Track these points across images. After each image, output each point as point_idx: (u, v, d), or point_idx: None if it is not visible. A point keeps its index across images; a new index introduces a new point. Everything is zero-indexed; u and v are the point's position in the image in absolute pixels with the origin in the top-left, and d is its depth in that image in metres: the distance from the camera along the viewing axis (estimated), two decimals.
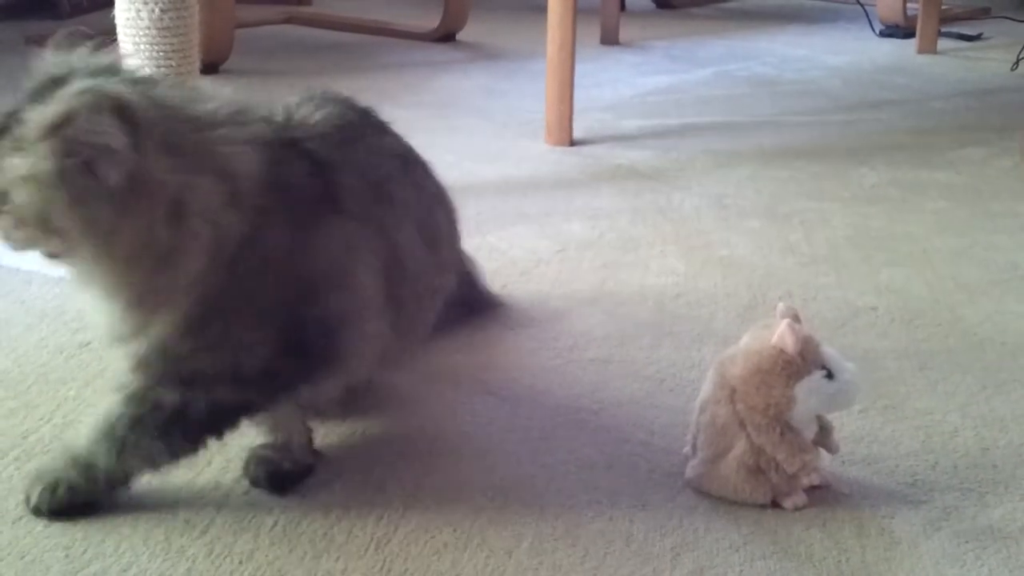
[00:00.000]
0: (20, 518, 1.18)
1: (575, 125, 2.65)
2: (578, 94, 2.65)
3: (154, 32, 1.89)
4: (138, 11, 1.88)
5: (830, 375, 1.22)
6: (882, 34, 4.13)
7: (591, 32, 3.77)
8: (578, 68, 2.63)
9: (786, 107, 3.06)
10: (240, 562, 1.12)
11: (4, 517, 1.18)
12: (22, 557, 1.12)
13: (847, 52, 3.82)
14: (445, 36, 3.83)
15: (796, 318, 1.25)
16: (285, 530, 1.17)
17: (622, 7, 4.13)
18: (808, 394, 1.21)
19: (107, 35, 2.00)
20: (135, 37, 1.90)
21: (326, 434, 1.36)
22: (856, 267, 1.93)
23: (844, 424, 1.37)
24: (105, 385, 1.45)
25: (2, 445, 1.31)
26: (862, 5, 4.36)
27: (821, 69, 3.55)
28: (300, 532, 1.17)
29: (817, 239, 2.06)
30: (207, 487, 1.24)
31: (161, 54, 1.90)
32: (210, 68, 3.06)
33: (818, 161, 2.55)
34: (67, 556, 1.12)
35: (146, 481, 1.22)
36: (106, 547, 1.13)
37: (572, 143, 2.64)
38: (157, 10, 1.88)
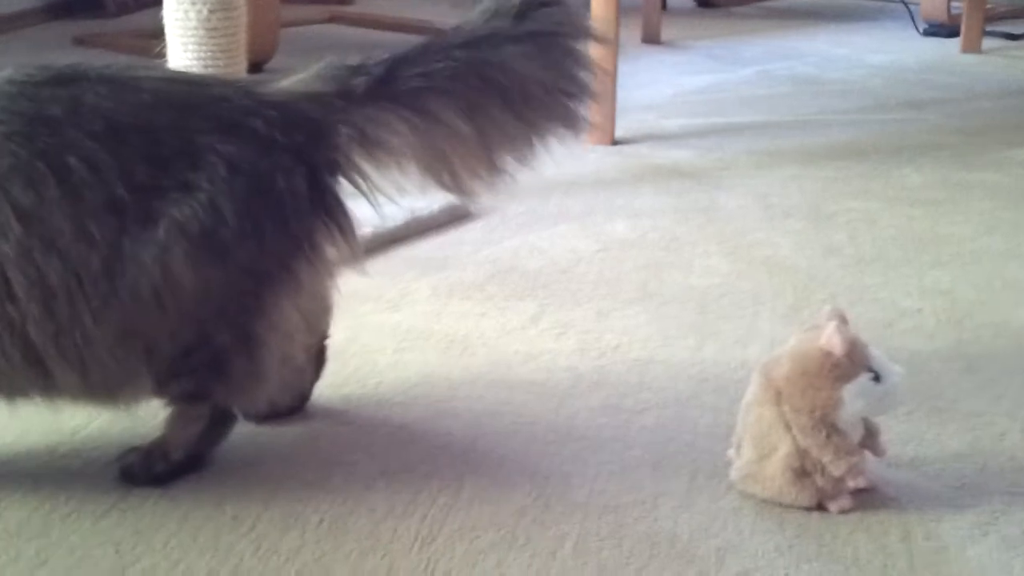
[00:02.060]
0: (70, 514, 1.19)
1: (617, 124, 2.65)
2: (619, 94, 2.65)
3: (202, 32, 1.90)
4: (186, 12, 1.90)
5: (877, 377, 1.21)
6: (925, 33, 4.10)
7: (632, 31, 3.77)
8: (620, 68, 2.63)
9: (829, 106, 3.04)
10: (287, 559, 1.13)
11: (55, 512, 1.19)
12: (72, 552, 1.13)
13: (890, 51, 3.79)
14: None
15: (843, 320, 1.25)
16: (331, 528, 1.18)
17: (663, 6, 4.12)
18: (855, 396, 1.21)
19: (155, 35, 2.02)
20: (183, 37, 1.92)
21: (371, 431, 1.37)
22: (901, 268, 1.91)
23: (890, 426, 1.36)
24: None
25: (50, 441, 1.33)
26: (905, 3, 4.33)
27: (864, 68, 3.53)
28: (346, 530, 1.18)
29: (862, 240, 2.05)
30: (254, 483, 1.25)
31: (208, 54, 1.92)
32: (254, 67, 3.08)
33: (862, 161, 2.54)
34: (117, 552, 1.13)
35: (194, 477, 1.24)
36: (155, 543, 1.14)
37: (614, 142, 2.63)
38: (205, 10, 1.89)
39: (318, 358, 1.42)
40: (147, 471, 1.25)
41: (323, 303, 1.35)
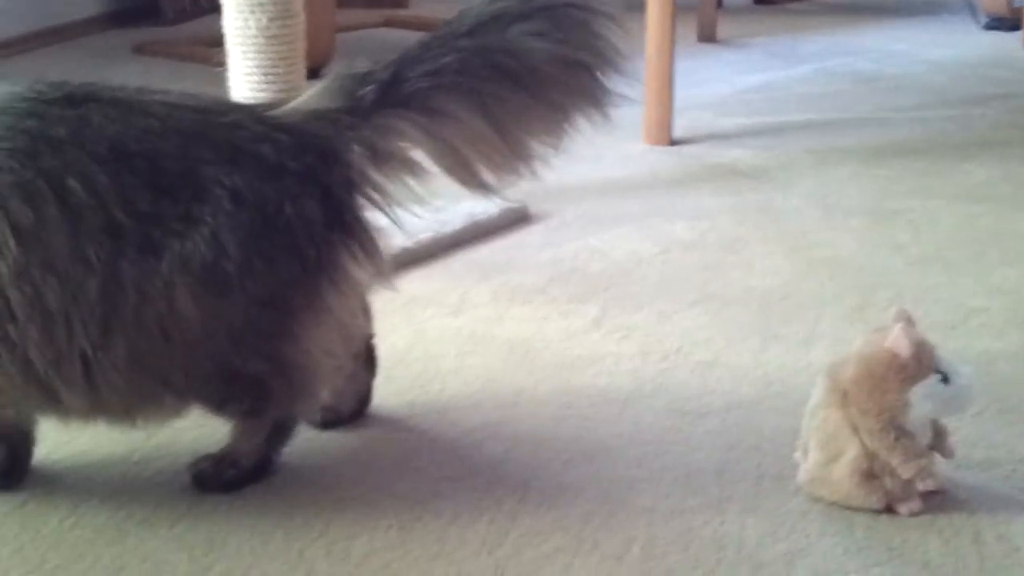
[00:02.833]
0: (145, 519, 1.21)
1: (675, 124, 2.65)
2: (677, 93, 2.64)
3: (262, 40, 1.92)
4: (245, 20, 1.92)
5: (945, 379, 1.21)
6: (986, 27, 4.04)
7: (688, 30, 3.75)
8: (676, 67, 2.62)
9: (888, 103, 3.01)
10: (357, 564, 1.14)
11: (130, 519, 1.21)
12: (147, 559, 1.15)
13: (950, 45, 3.75)
14: None
15: (910, 321, 1.24)
16: (399, 533, 1.19)
17: (719, 4, 4.10)
18: (923, 398, 1.20)
19: (213, 43, 2.05)
20: (243, 45, 1.94)
21: (435, 437, 1.37)
22: (966, 267, 1.89)
23: (959, 428, 1.35)
24: None
25: (123, 449, 1.35)
26: None
27: (923, 63, 3.49)
28: (414, 535, 1.19)
29: (925, 238, 2.03)
30: (323, 490, 1.27)
31: (268, 62, 1.94)
32: (312, 73, 3.10)
33: (922, 158, 2.51)
34: (190, 558, 1.15)
35: (264, 484, 1.25)
36: (228, 549, 1.16)
37: (671, 143, 2.63)
38: (264, 19, 1.91)
39: (368, 359, 1.42)
40: (218, 478, 1.27)
41: (359, 312, 1.33)
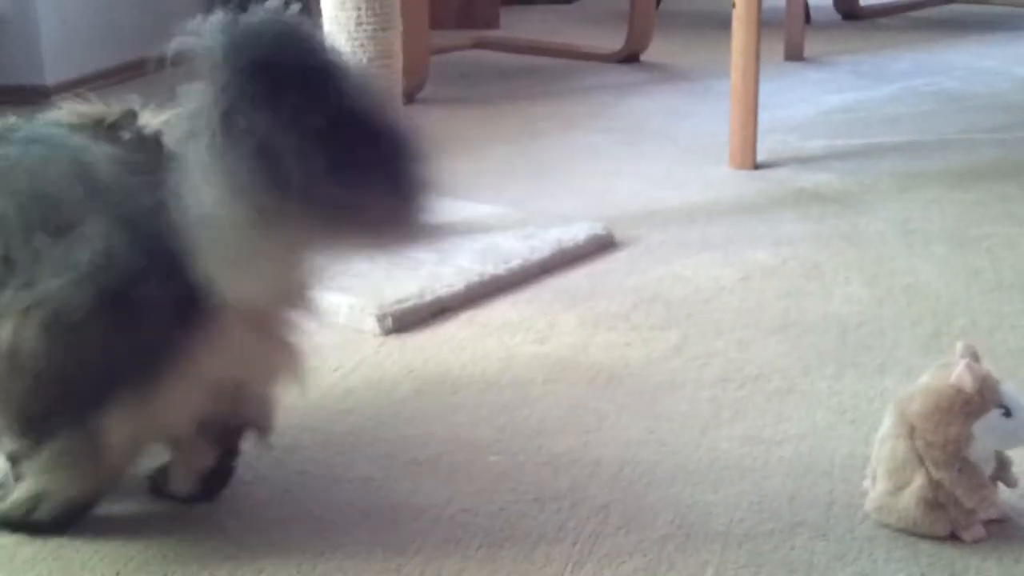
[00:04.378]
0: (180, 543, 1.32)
1: (759, 147, 2.71)
2: (761, 114, 2.70)
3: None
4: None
5: (1008, 413, 1.26)
6: None
7: (775, 47, 3.80)
8: (762, 87, 2.68)
9: (974, 123, 3.04)
10: None
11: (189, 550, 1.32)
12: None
13: None
14: (629, 57, 3.91)
15: (975, 356, 1.30)
16: (489, 552, 1.28)
17: (807, 20, 4.14)
18: (986, 432, 1.26)
19: None
20: None
21: (523, 460, 1.46)
22: None
23: None
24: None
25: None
26: None
27: (1011, 81, 3.50)
28: (503, 554, 1.27)
29: (1004, 265, 2.07)
30: (419, 510, 1.36)
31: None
32: (408, 97, 3.22)
33: (1006, 181, 2.54)
34: (299, 571, 1.25)
35: (364, 500, 1.35)
36: (331, 563, 1.26)
37: (756, 167, 2.69)
38: (365, 59, 2.02)
39: (227, 446, 1.38)
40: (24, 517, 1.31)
41: (206, 399, 1.27)
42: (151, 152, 1.31)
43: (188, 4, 4.18)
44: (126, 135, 1.30)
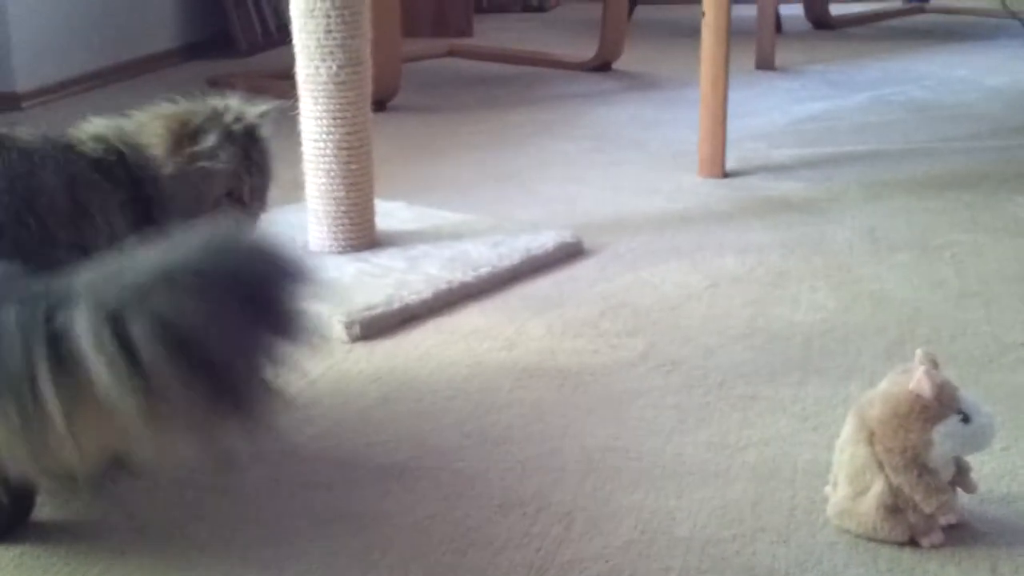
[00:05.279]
0: (207, 546, 1.32)
1: (728, 155, 2.73)
2: (732, 123, 2.72)
3: (331, 87, 2.04)
4: (317, 68, 2.04)
5: (966, 419, 1.28)
6: None
7: (747, 56, 3.83)
8: (732, 95, 2.70)
9: (942, 133, 3.07)
10: None
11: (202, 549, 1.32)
12: None
13: (1008, 72, 3.78)
14: (601, 65, 3.93)
15: (934, 364, 1.31)
16: (453, 558, 1.28)
17: (778, 29, 4.16)
18: (944, 437, 1.27)
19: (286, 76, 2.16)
20: (314, 92, 2.06)
21: (489, 466, 1.47)
22: (1007, 302, 1.95)
23: (985, 462, 1.42)
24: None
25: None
26: (1022, 22, 4.30)
27: (980, 91, 3.54)
28: (466, 561, 1.28)
29: (968, 273, 2.09)
30: (382, 518, 1.36)
31: (337, 107, 2.05)
32: (379, 105, 3.23)
33: (972, 190, 2.57)
34: None
35: (330, 514, 1.36)
36: (295, 571, 1.26)
37: (725, 175, 2.71)
38: (335, 66, 2.03)
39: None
40: None
41: None
42: (243, 145, 1.44)
43: (160, 13, 4.18)
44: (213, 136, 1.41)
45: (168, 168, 1.43)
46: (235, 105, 1.50)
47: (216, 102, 1.49)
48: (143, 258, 1.10)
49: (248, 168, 1.49)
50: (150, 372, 1.04)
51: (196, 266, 1.08)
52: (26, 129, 1.41)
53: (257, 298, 1.12)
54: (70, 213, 1.31)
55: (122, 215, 1.38)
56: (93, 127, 1.45)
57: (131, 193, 1.40)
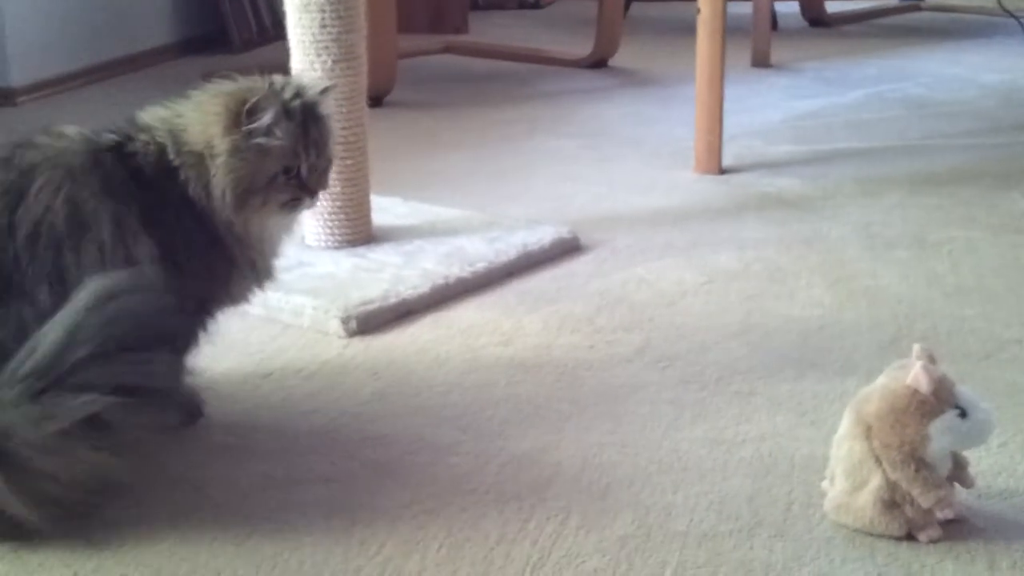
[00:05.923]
0: (214, 540, 1.31)
1: (724, 152, 2.72)
2: (728, 120, 2.72)
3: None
4: (312, 63, 2.03)
5: (963, 414, 1.28)
6: None
7: (743, 54, 3.81)
8: (728, 93, 2.70)
9: (938, 130, 3.06)
10: None
11: (202, 537, 1.32)
12: (219, 574, 1.25)
13: (1004, 70, 3.78)
14: (597, 62, 3.93)
15: (931, 359, 1.31)
16: (449, 552, 1.28)
17: (774, 27, 4.16)
18: (942, 432, 1.27)
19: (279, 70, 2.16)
20: None
21: (486, 461, 1.46)
22: (1003, 298, 1.95)
23: (983, 458, 1.42)
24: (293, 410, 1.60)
25: (187, 473, 1.45)
26: (1019, 20, 4.30)
27: (976, 88, 3.53)
28: (463, 554, 1.28)
29: (964, 269, 2.09)
30: (379, 511, 1.36)
31: (333, 101, 2.04)
32: (375, 101, 3.22)
33: (969, 187, 2.56)
34: (257, 572, 1.25)
35: (325, 504, 1.35)
36: (291, 564, 1.26)
37: (721, 171, 2.70)
38: (330, 61, 2.03)
39: None
40: None
41: None
42: (301, 123, 1.47)
43: (155, 9, 4.18)
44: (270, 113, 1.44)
45: (223, 145, 1.44)
46: (295, 82, 1.51)
47: (277, 79, 1.50)
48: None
49: (305, 145, 1.49)
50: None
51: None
52: (74, 128, 1.45)
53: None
54: (65, 236, 1.38)
55: (140, 222, 1.43)
56: (148, 115, 1.49)
57: (158, 195, 1.45)
